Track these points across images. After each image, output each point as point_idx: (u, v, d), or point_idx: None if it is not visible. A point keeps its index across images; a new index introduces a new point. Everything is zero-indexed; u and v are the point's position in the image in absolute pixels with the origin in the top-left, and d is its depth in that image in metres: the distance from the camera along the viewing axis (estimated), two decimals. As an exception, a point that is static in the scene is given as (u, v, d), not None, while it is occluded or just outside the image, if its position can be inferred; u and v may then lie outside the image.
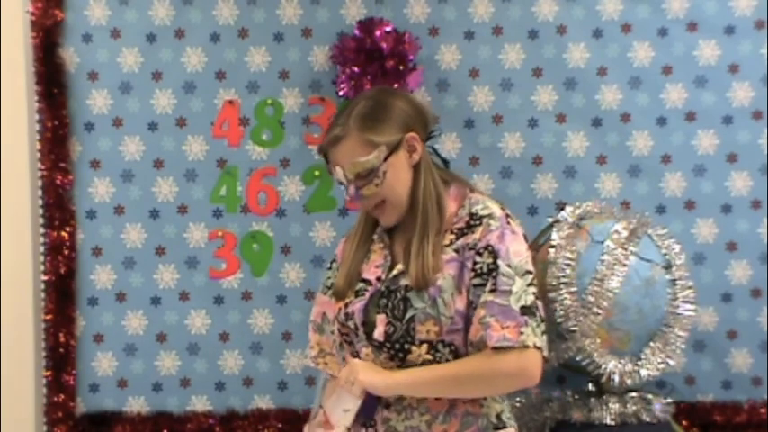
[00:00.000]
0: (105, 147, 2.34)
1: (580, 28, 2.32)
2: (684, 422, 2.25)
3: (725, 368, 2.33)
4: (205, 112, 2.34)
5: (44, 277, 2.33)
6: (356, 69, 2.25)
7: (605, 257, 1.97)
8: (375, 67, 2.24)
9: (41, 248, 2.34)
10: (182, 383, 2.35)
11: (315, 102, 2.34)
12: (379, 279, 1.70)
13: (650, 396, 2.04)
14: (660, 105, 2.33)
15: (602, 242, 1.99)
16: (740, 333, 2.32)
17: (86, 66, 2.33)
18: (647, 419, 2.00)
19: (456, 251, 1.65)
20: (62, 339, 2.32)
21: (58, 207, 2.32)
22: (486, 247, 1.62)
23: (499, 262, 1.60)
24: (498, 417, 1.66)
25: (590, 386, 2.07)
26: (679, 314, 2.00)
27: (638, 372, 1.99)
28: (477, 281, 1.61)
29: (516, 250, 1.62)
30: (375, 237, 1.76)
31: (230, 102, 2.34)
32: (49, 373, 2.33)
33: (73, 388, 2.34)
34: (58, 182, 2.32)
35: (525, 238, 1.68)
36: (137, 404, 2.35)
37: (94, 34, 2.33)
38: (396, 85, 2.24)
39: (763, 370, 2.31)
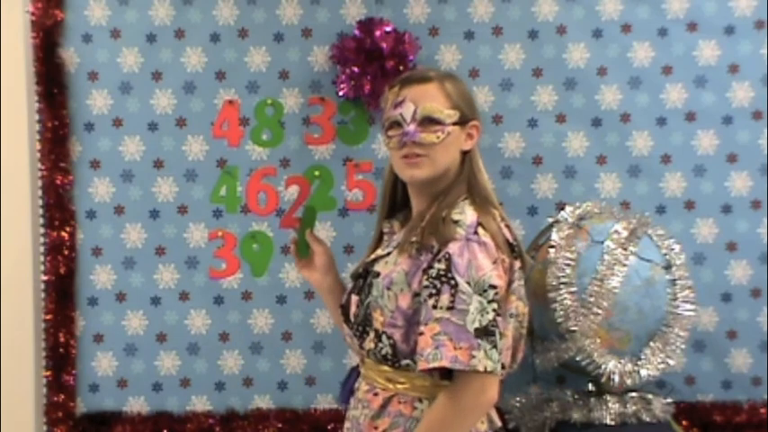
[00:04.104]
0: (105, 147, 2.34)
1: (580, 28, 2.32)
2: (684, 422, 2.25)
3: (725, 368, 2.33)
4: (205, 112, 2.34)
5: (44, 277, 2.33)
6: (356, 69, 2.25)
7: (605, 257, 1.97)
8: (375, 67, 2.24)
9: (41, 248, 2.34)
10: (182, 383, 2.35)
11: (315, 102, 2.34)
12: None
13: (650, 396, 2.04)
14: (660, 105, 2.33)
15: (602, 242, 1.99)
16: (740, 333, 2.32)
17: (86, 66, 2.33)
18: (647, 419, 2.00)
19: (417, 250, 1.63)
20: (62, 339, 2.32)
21: (58, 207, 2.32)
22: (444, 256, 1.58)
23: (458, 277, 1.56)
24: None
25: (590, 386, 2.07)
26: (679, 314, 2.00)
27: (638, 372, 1.99)
28: (426, 283, 1.58)
29: (479, 264, 1.56)
30: (386, 224, 1.79)
31: (230, 102, 2.34)
32: (49, 373, 2.33)
33: (73, 388, 2.34)
34: (58, 182, 2.32)
35: (512, 246, 1.66)
36: (137, 404, 2.36)
37: (94, 34, 2.33)
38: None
39: (763, 370, 2.32)
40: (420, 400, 1.63)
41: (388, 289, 1.63)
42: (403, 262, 1.63)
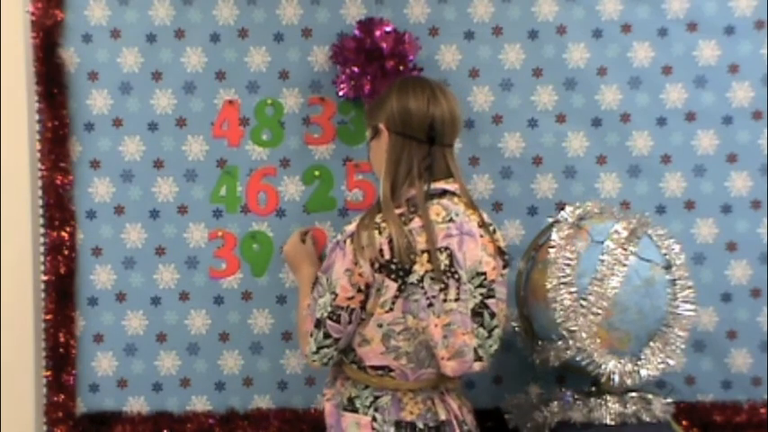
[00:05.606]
0: (105, 147, 2.34)
1: (580, 28, 2.32)
2: (684, 422, 2.25)
3: (725, 368, 2.33)
4: (205, 112, 2.34)
5: (44, 277, 2.33)
6: (356, 69, 2.25)
7: (605, 257, 1.96)
8: (375, 67, 2.24)
9: (41, 248, 2.34)
10: (182, 383, 2.36)
11: (315, 102, 2.34)
12: None
13: (650, 396, 2.03)
14: (660, 105, 2.33)
15: (602, 242, 1.99)
16: (740, 333, 2.33)
17: (86, 66, 2.33)
18: (647, 419, 1.99)
19: None
20: (62, 339, 2.32)
21: (58, 207, 2.32)
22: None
23: (320, 273, 1.86)
24: (350, 400, 1.87)
25: (590, 386, 2.07)
26: (679, 314, 1.99)
27: (638, 372, 1.98)
28: None
29: (336, 269, 1.81)
30: None
31: (230, 102, 2.34)
32: (49, 373, 2.33)
33: (73, 388, 2.34)
34: (58, 182, 2.32)
35: (375, 264, 1.77)
36: (137, 404, 2.36)
37: (94, 34, 2.33)
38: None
39: (763, 370, 2.32)
40: (347, 378, 1.89)
41: None
42: None
